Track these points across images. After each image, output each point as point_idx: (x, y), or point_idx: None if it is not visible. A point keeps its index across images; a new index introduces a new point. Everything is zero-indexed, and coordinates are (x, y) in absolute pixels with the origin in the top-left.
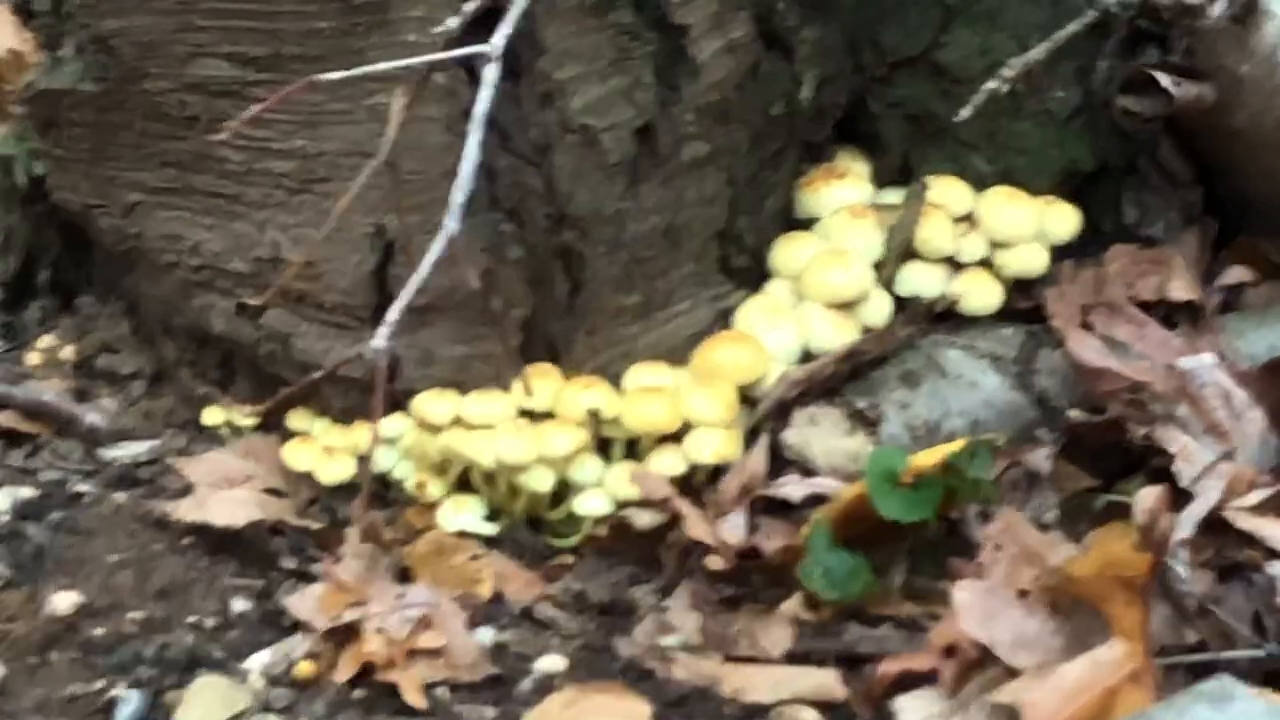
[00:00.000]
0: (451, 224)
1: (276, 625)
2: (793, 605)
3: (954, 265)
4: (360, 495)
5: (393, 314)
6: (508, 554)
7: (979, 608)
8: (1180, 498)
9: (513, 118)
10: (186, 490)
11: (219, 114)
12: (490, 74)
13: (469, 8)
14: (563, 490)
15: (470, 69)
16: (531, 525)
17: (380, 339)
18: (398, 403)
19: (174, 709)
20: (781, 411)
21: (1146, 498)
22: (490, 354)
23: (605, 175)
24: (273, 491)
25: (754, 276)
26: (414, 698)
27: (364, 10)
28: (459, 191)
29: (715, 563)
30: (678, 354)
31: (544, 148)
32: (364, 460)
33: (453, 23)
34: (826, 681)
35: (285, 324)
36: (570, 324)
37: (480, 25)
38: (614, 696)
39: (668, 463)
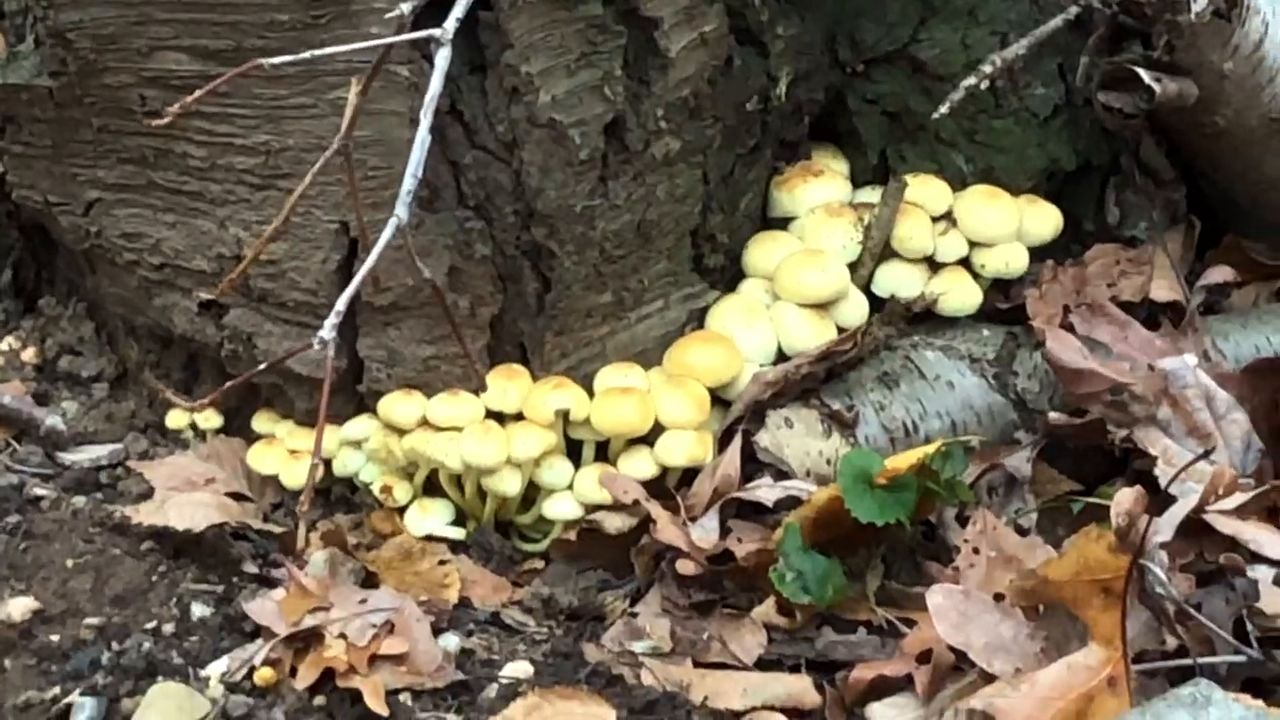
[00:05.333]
0: (401, 212)
1: (237, 631)
2: (765, 610)
3: (932, 265)
4: (304, 491)
5: (341, 303)
6: (475, 559)
7: (954, 612)
8: (1161, 500)
9: (480, 112)
10: (147, 494)
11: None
12: (442, 58)
13: None
14: (532, 493)
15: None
16: (500, 529)
17: (327, 329)
18: (364, 405)
19: (130, 716)
20: (755, 413)
21: (1124, 499)
22: (457, 354)
23: (574, 171)
24: (236, 495)
25: (728, 276)
26: (376, 704)
27: (325, 2)
28: (409, 178)
29: (686, 567)
30: (650, 354)
31: (511, 143)
32: (313, 456)
33: (405, 7)
34: (799, 688)
35: (248, 324)
36: (540, 324)
37: (441, 14)
38: (580, 703)
39: (638, 465)
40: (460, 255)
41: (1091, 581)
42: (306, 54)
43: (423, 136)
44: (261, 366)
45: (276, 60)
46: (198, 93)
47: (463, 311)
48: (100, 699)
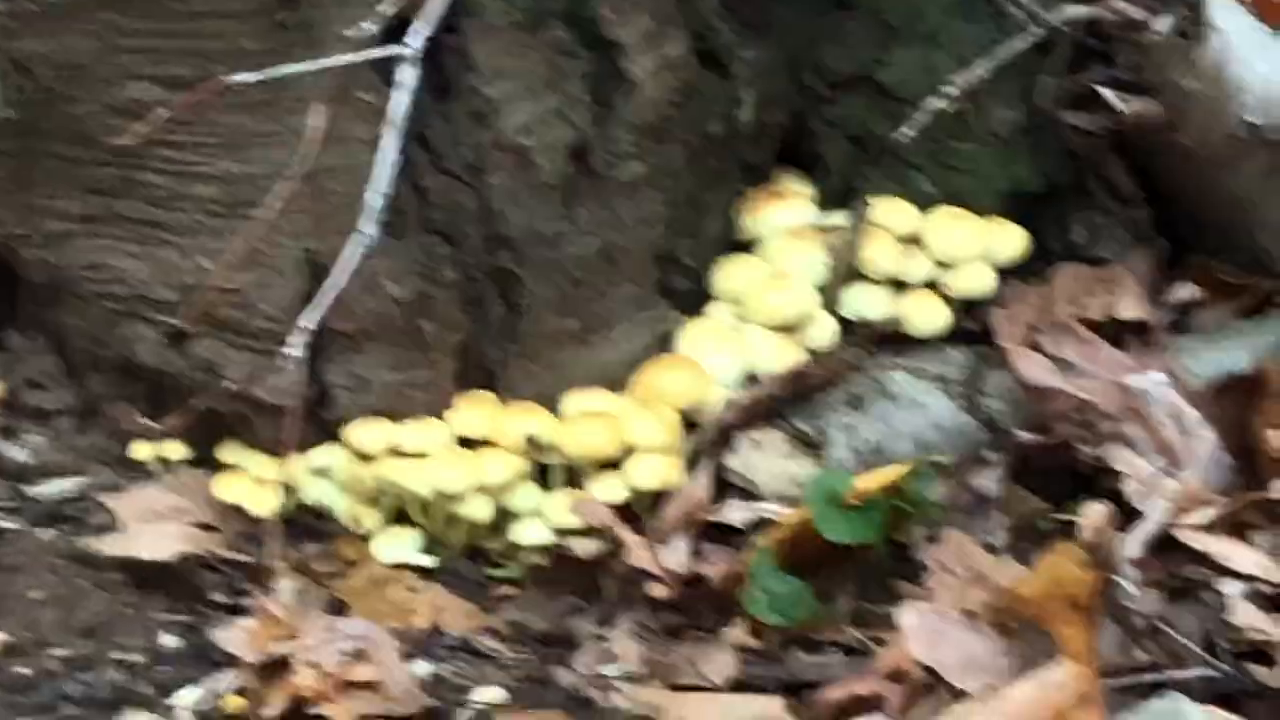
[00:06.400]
0: (368, 228)
1: (206, 660)
2: (737, 632)
3: (899, 286)
4: (273, 517)
5: (306, 320)
6: (446, 586)
7: (925, 630)
8: (1130, 517)
9: (445, 136)
10: (114, 526)
11: (145, 137)
12: (407, 76)
13: (384, 9)
14: (502, 519)
15: None
16: (470, 556)
17: (294, 348)
18: (331, 433)
19: None
20: (724, 436)
21: (1093, 515)
22: (425, 381)
23: (540, 195)
24: (203, 525)
25: (695, 299)
26: None
27: (292, 29)
28: (376, 195)
29: (658, 591)
30: (618, 379)
31: (477, 167)
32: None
33: (370, 27)
34: (771, 709)
35: (214, 353)
36: (507, 349)
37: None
38: None
39: (608, 489)
40: (426, 280)
41: (1062, 598)
42: (271, 70)
43: (386, 153)
44: (231, 387)
45: (238, 78)
46: (162, 112)
47: (430, 337)
48: None
